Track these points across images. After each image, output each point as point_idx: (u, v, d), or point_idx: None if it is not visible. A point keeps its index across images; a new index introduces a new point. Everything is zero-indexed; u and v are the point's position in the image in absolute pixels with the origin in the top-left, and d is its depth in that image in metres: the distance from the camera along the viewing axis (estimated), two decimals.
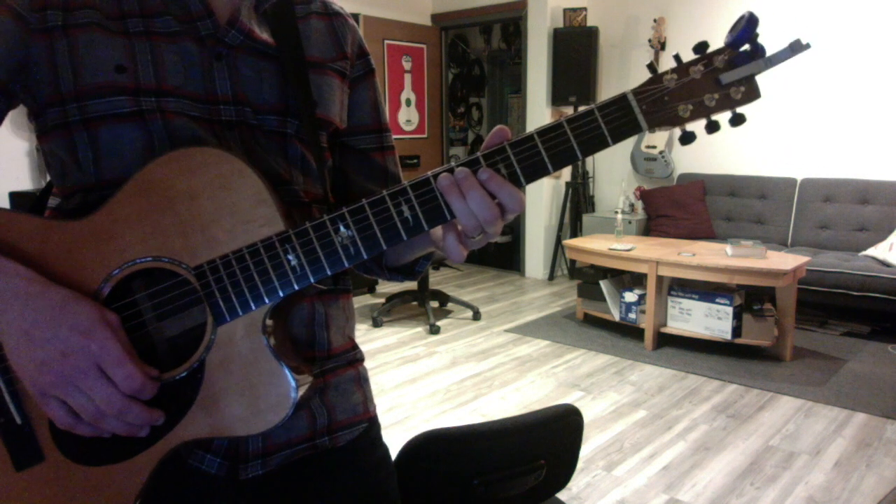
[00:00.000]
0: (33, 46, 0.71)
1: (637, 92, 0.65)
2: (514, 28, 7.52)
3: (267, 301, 0.68)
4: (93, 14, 0.72)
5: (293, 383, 0.69)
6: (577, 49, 5.37)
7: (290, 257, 0.68)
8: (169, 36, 0.74)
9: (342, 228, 0.68)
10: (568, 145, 0.66)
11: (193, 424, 0.69)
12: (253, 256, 0.68)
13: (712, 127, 0.67)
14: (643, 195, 5.24)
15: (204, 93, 0.75)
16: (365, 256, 0.68)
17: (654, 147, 5.29)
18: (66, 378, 0.63)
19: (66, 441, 0.69)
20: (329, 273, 0.68)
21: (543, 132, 0.66)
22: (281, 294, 0.68)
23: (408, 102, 6.13)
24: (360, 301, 5.16)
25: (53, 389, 0.63)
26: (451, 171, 0.66)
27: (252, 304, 0.68)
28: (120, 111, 0.71)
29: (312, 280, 0.68)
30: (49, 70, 0.71)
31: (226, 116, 0.76)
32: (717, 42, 0.62)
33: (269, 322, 0.70)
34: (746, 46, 0.63)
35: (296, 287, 0.68)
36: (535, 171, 0.66)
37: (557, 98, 5.52)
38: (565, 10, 5.52)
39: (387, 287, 5.50)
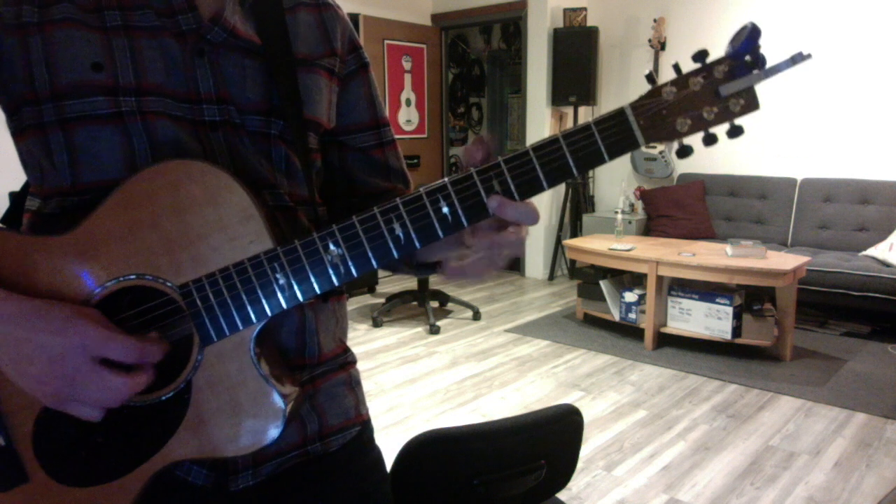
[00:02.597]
0: (6, 42, 0.68)
1: (635, 106, 0.63)
2: (514, 28, 7.53)
3: (255, 321, 0.66)
4: (69, 9, 0.69)
5: (282, 404, 0.67)
6: (577, 49, 5.37)
7: (279, 276, 0.66)
8: (148, 31, 0.71)
9: (332, 246, 0.66)
10: (563, 161, 0.64)
11: (181, 445, 0.68)
12: (240, 275, 0.66)
13: (710, 140, 0.65)
14: (643, 195, 5.24)
15: (186, 91, 0.72)
16: (355, 275, 0.66)
17: (654, 147, 5.29)
18: (66, 381, 0.61)
19: (50, 462, 0.67)
20: (318, 292, 0.67)
21: (539, 147, 0.64)
22: (269, 314, 0.67)
23: (408, 102, 6.13)
24: (360, 301, 5.16)
25: (63, 396, 0.62)
26: (444, 188, 0.65)
27: (240, 325, 0.66)
28: (98, 112, 0.68)
29: (302, 299, 0.67)
30: (23, 67, 0.68)
31: (209, 116, 0.73)
32: (715, 46, 0.61)
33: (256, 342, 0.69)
34: (747, 57, 0.62)
35: (285, 307, 0.67)
36: (530, 188, 0.65)
37: (557, 98, 5.52)
38: (565, 10, 5.52)
39: (387, 287, 5.50)
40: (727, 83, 0.63)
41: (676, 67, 0.64)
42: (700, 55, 0.63)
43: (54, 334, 0.61)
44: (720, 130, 0.65)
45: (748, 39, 0.61)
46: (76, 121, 0.69)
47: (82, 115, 0.69)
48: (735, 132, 0.64)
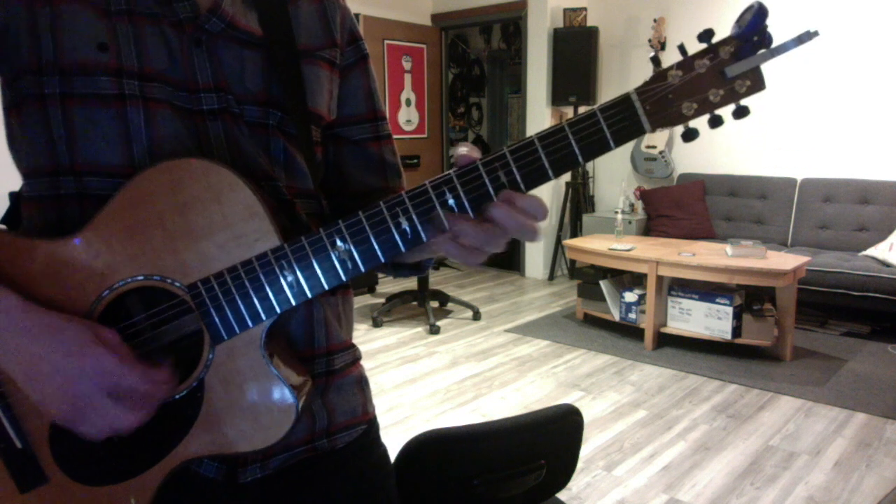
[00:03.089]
0: (12, 11, 0.68)
1: (640, 91, 0.62)
2: (514, 28, 7.53)
3: (264, 318, 0.67)
4: None
5: (293, 399, 0.68)
6: (577, 49, 5.37)
7: (287, 273, 0.66)
8: (150, 18, 0.70)
9: (339, 242, 0.66)
10: (569, 150, 0.63)
11: (196, 442, 0.68)
12: (248, 273, 0.66)
13: (715, 121, 0.64)
14: (643, 195, 5.24)
15: (185, 80, 0.71)
16: (363, 270, 0.66)
17: (654, 147, 5.29)
18: (75, 407, 0.62)
19: (68, 462, 0.68)
20: (326, 288, 0.66)
21: (544, 136, 0.63)
22: (278, 311, 0.67)
23: (408, 102, 6.13)
24: (360, 301, 5.16)
25: (70, 418, 0.62)
26: (450, 181, 0.64)
27: (249, 323, 0.67)
28: (102, 92, 0.68)
29: (310, 296, 0.67)
30: (29, 36, 0.67)
31: (207, 105, 0.72)
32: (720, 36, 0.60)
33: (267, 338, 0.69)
34: (754, 37, 0.61)
35: (293, 303, 0.67)
36: (537, 178, 0.64)
37: (557, 98, 5.52)
38: (565, 10, 5.52)
39: (387, 287, 5.50)
40: (733, 64, 0.62)
41: (682, 49, 0.63)
42: (705, 35, 0.62)
43: (70, 357, 0.61)
44: (725, 112, 0.64)
45: (755, 19, 0.60)
46: (78, 98, 0.68)
47: (85, 93, 0.68)
48: (741, 113, 0.63)
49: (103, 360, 0.62)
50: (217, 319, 0.66)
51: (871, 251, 4.24)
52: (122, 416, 0.63)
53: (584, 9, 5.51)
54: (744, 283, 3.60)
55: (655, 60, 0.65)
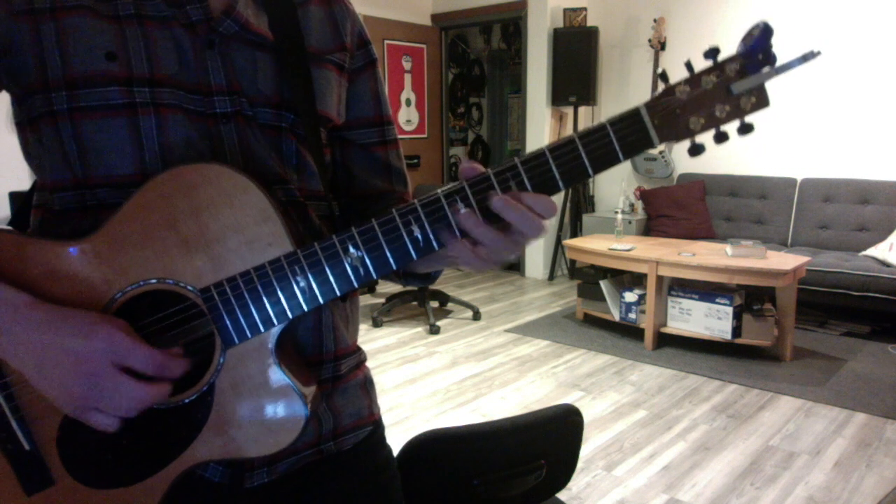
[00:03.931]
0: (17, 29, 0.67)
1: (649, 106, 0.63)
2: (514, 28, 7.53)
3: (276, 323, 0.67)
4: None
5: (303, 404, 0.68)
6: (577, 49, 5.37)
7: (299, 279, 0.66)
8: (159, 21, 0.70)
9: (351, 249, 0.66)
10: (579, 161, 0.65)
11: (205, 446, 0.68)
12: (261, 278, 0.66)
13: (721, 137, 0.65)
14: (643, 195, 5.24)
15: (197, 83, 0.71)
16: (375, 277, 0.67)
17: None
18: (89, 385, 0.62)
19: (75, 465, 0.68)
20: (338, 294, 0.67)
21: (555, 148, 0.65)
22: (290, 316, 0.67)
23: (408, 102, 6.13)
24: (360, 301, 5.15)
25: (84, 402, 0.62)
26: (461, 190, 0.65)
27: (261, 327, 0.67)
28: (111, 102, 0.68)
29: (322, 301, 0.67)
30: (35, 54, 0.67)
31: (220, 108, 0.72)
32: (717, 43, 0.61)
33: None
34: (759, 55, 0.62)
35: (305, 309, 0.67)
36: (547, 189, 0.65)
37: (557, 98, 5.52)
38: (565, 11, 5.52)
39: (387, 287, 5.49)
40: (739, 81, 0.63)
41: (689, 65, 0.64)
42: (712, 52, 0.63)
43: (80, 337, 0.62)
44: (731, 128, 0.65)
45: (760, 38, 0.62)
46: (87, 111, 0.68)
47: (94, 105, 0.68)
48: (745, 129, 0.65)
49: (113, 336, 0.62)
50: (229, 324, 0.67)
51: (871, 251, 4.24)
52: (137, 390, 0.62)
53: (584, 9, 5.51)
54: (744, 283, 3.60)
55: (664, 77, 0.66)
